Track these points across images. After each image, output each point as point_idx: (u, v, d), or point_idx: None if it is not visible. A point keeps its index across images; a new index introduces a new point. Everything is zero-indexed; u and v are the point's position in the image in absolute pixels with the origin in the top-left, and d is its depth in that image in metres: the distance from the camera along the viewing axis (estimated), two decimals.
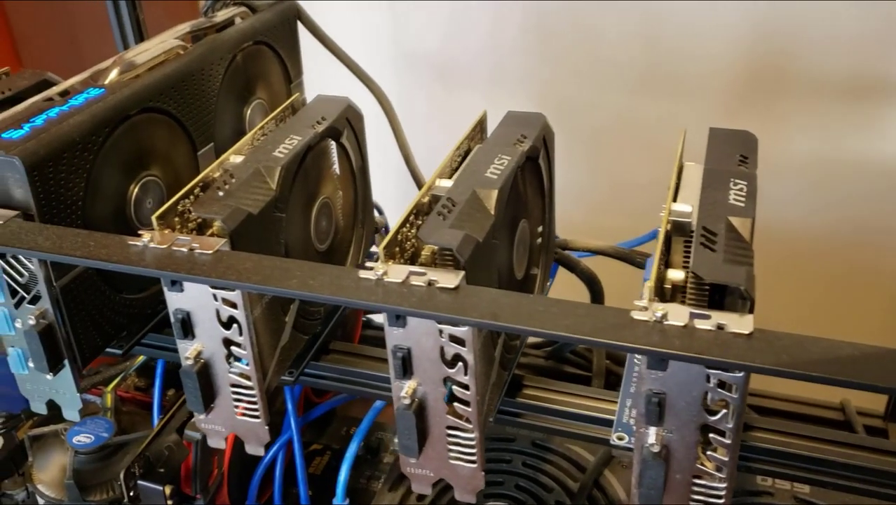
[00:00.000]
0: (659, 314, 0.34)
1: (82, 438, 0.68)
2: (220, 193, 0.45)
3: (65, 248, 0.41)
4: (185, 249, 0.41)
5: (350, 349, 0.55)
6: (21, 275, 0.47)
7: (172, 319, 0.44)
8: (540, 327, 0.34)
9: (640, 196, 1.19)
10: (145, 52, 0.55)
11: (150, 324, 0.55)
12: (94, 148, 0.48)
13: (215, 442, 0.48)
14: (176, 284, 0.43)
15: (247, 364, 0.45)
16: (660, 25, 1.08)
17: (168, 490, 0.57)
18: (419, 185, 0.75)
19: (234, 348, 0.44)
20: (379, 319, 0.83)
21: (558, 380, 0.52)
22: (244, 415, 0.47)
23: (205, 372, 0.45)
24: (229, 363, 0.45)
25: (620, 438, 0.47)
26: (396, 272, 0.38)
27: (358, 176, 0.57)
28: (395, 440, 0.75)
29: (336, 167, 0.55)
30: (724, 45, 1.06)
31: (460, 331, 0.39)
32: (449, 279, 0.37)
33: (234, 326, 0.44)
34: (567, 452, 0.62)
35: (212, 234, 0.46)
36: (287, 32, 0.67)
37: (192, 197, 0.45)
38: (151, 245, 0.41)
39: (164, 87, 0.53)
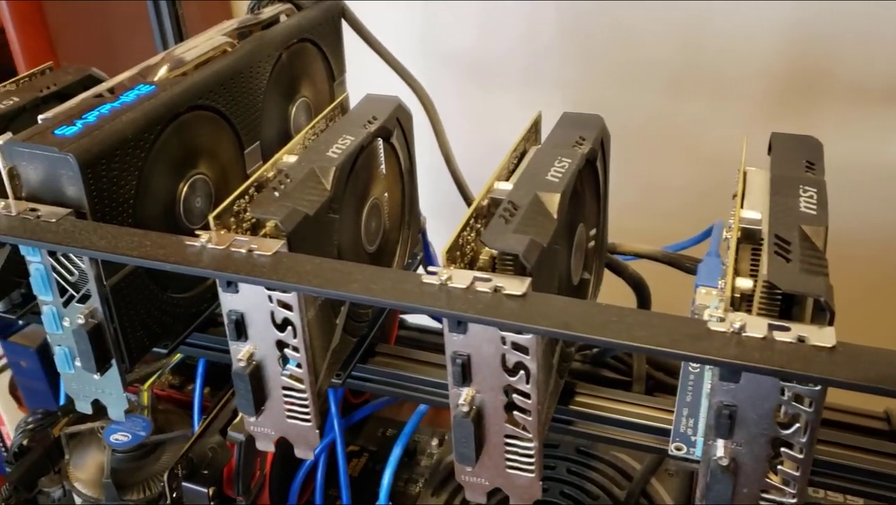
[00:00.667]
0: (737, 325, 0.33)
1: (120, 437, 0.68)
2: (276, 194, 0.44)
3: (120, 247, 0.41)
4: (243, 251, 0.40)
5: (395, 352, 0.54)
6: (71, 273, 0.46)
7: (226, 321, 0.44)
8: (614, 337, 0.33)
9: (674, 198, 1.18)
10: (194, 49, 0.54)
11: (194, 323, 0.55)
12: (146, 146, 0.47)
13: (264, 445, 0.48)
14: (231, 286, 0.42)
15: (299, 367, 0.44)
16: (697, 26, 1.06)
17: (210, 491, 0.56)
18: (459, 186, 0.74)
19: (287, 351, 0.44)
20: (414, 319, 0.83)
21: (597, 384, 0.51)
22: (294, 418, 0.46)
23: (257, 374, 0.45)
24: (281, 366, 0.44)
25: (679, 449, 0.46)
26: (460, 277, 0.37)
27: (406, 176, 0.56)
28: (433, 443, 0.75)
29: (383, 167, 0.54)
30: (762, 45, 1.05)
31: (524, 339, 0.38)
32: (516, 286, 0.36)
33: (289, 328, 0.43)
34: (612, 460, 0.61)
35: (265, 235, 0.45)
36: (332, 30, 0.66)
37: (246, 197, 0.44)
38: (209, 246, 0.40)
39: (214, 85, 0.53)
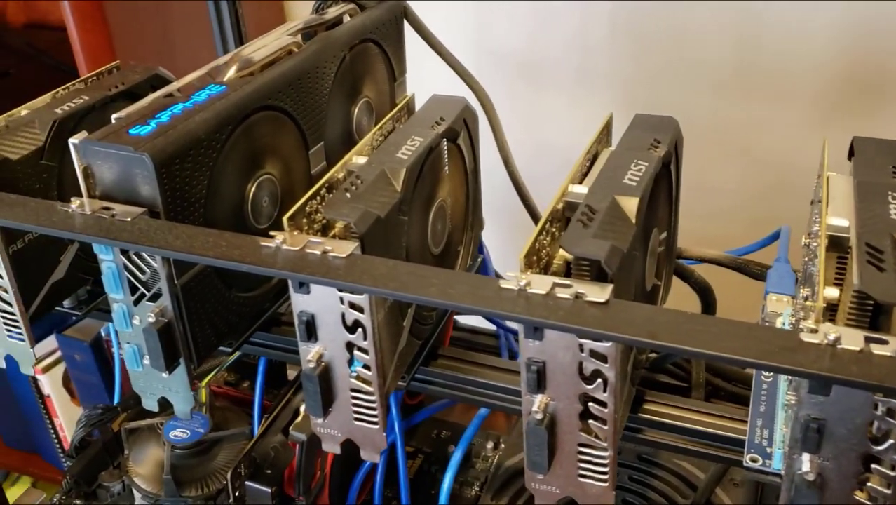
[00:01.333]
0: (831, 337, 0.32)
1: (178, 434, 0.68)
2: (348, 195, 0.44)
3: (196, 247, 0.41)
4: (317, 252, 0.40)
5: (456, 354, 0.54)
6: (142, 272, 0.46)
7: (297, 322, 0.43)
8: (702, 348, 0.32)
9: (726, 200, 1.16)
10: (261, 50, 0.54)
11: (258, 322, 0.55)
12: (217, 146, 0.48)
13: (330, 447, 0.47)
14: (303, 287, 0.42)
15: (368, 369, 0.44)
16: (752, 25, 1.04)
17: (272, 491, 0.56)
18: (518, 188, 0.73)
19: (356, 353, 0.43)
20: (465, 320, 0.82)
21: (656, 390, 0.50)
22: (361, 420, 0.46)
23: (325, 375, 0.44)
24: (351, 367, 0.44)
25: (754, 461, 0.45)
26: (539, 283, 0.36)
27: (470, 178, 0.56)
28: (488, 446, 0.74)
29: (447, 168, 0.54)
30: (818, 44, 1.02)
31: (604, 347, 0.37)
32: (598, 292, 0.35)
33: (359, 330, 0.43)
34: (675, 468, 0.60)
35: (334, 235, 0.45)
36: (394, 30, 0.66)
37: (318, 198, 0.44)
38: (284, 247, 0.40)
39: (282, 86, 0.53)
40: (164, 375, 0.49)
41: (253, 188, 0.51)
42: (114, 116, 0.47)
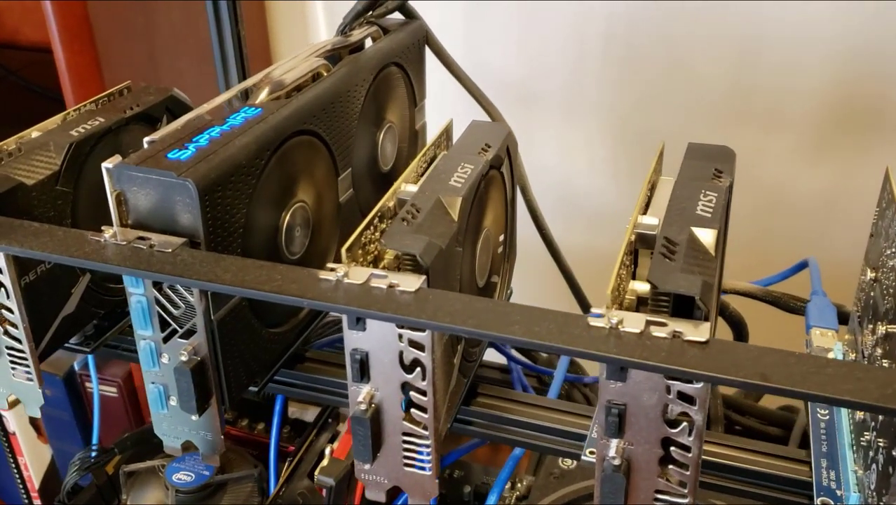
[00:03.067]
0: None
1: (183, 476, 0.64)
2: (406, 225, 0.41)
3: (249, 281, 0.38)
4: (383, 286, 0.37)
5: (495, 392, 0.51)
6: (176, 307, 0.43)
7: (349, 360, 0.40)
8: (818, 391, 0.31)
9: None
10: (292, 72, 0.51)
11: (282, 359, 0.52)
12: (257, 172, 0.45)
13: (375, 494, 0.44)
14: (360, 322, 0.39)
15: (424, 410, 0.41)
16: (748, 50, 1.05)
17: None
18: (534, 216, 0.72)
19: (412, 394, 0.41)
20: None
21: None
22: (412, 466, 0.43)
23: (376, 418, 0.42)
24: (405, 409, 0.41)
25: (825, 504, 0.43)
26: (633, 321, 0.34)
27: (510, 207, 0.54)
28: (506, 486, 0.71)
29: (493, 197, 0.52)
30: (816, 74, 1.03)
31: (693, 388, 0.35)
32: (694, 331, 0.33)
33: (417, 369, 0.40)
34: None
35: (384, 267, 0.42)
36: (416, 54, 0.64)
37: (371, 228, 0.42)
38: (346, 281, 0.37)
39: (317, 109, 0.50)
40: (194, 417, 0.45)
41: (287, 216, 0.48)
42: (146, 140, 0.44)
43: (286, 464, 0.57)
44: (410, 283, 0.37)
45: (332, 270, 0.38)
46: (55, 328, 0.50)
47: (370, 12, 0.59)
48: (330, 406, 0.67)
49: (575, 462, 0.62)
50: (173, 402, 0.46)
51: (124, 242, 0.40)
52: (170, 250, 0.40)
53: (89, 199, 0.51)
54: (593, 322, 0.34)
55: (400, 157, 0.63)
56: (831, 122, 1.06)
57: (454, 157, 0.47)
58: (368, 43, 0.60)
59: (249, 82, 0.51)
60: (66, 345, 0.53)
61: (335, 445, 0.55)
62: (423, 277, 0.38)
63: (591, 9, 1.07)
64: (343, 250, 0.39)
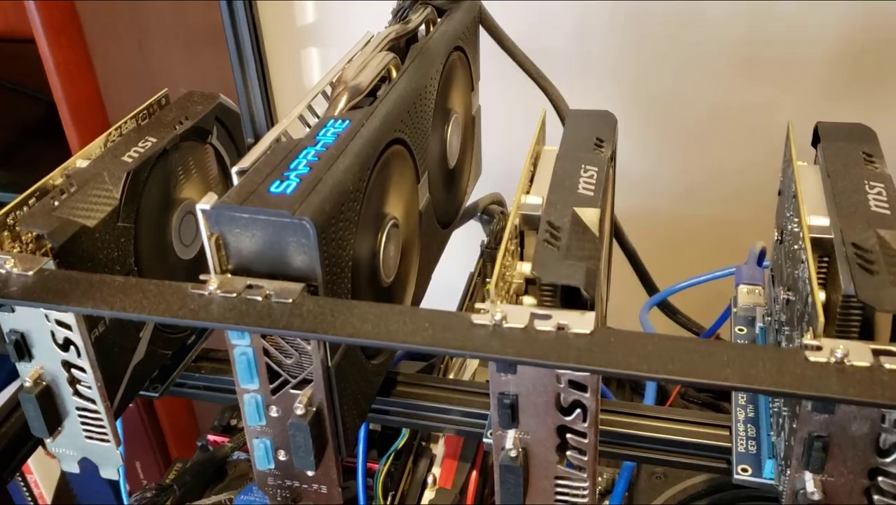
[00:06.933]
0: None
1: None
2: (553, 249, 0.36)
3: (394, 332, 0.33)
4: (550, 329, 0.32)
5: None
6: (288, 356, 0.38)
7: (497, 406, 0.36)
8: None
9: (735, 183, 1.13)
10: (364, 72, 0.46)
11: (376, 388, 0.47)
12: (360, 195, 0.39)
13: None
14: (511, 365, 0.35)
15: (584, 453, 0.37)
16: (758, 5, 1.01)
17: None
18: None
19: (569, 436, 0.37)
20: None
21: None
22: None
23: (526, 464, 0.37)
24: (560, 456, 0.37)
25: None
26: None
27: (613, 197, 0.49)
28: None
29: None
30: (829, 20, 0.99)
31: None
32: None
33: (578, 411, 0.36)
34: None
35: (521, 294, 0.38)
36: (473, 34, 0.58)
37: (507, 249, 0.37)
38: (505, 325, 0.33)
39: (402, 114, 0.45)
40: (310, 473, 0.41)
41: (383, 238, 0.43)
42: (235, 170, 0.38)
43: (388, 497, 0.53)
44: (581, 322, 0.32)
45: (485, 311, 0.33)
46: (127, 380, 0.45)
47: None
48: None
49: None
50: (282, 456, 0.41)
51: (233, 295, 0.35)
52: (290, 301, 0.34)
53: (150, 230, 0.46)
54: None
55: (463, 149, 0.58)
56: (847, 72, 1.03)
57: (570, 156, 0.43)
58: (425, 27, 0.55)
59: (318, 89, 0.45)
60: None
61: (435, 471, 0.51)
62: (593, 313, 0.33)
63: None
64: (492, 287, 0.35)
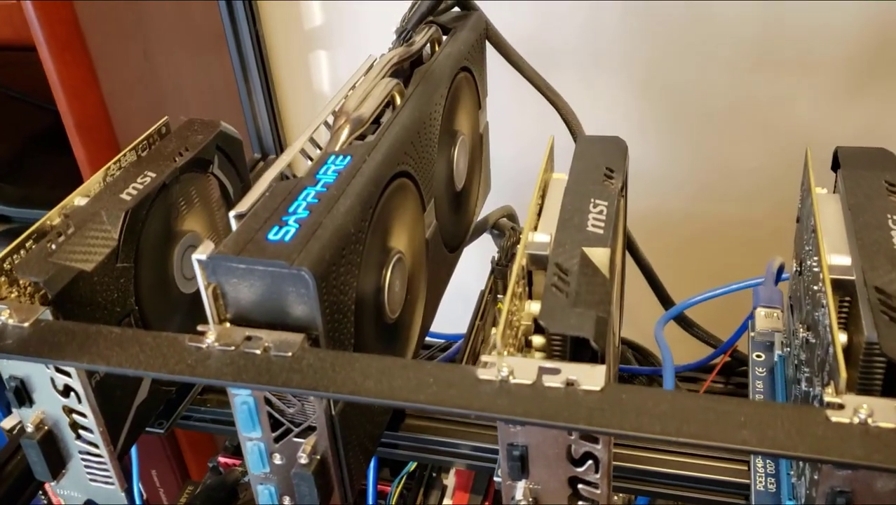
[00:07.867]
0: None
1: None
2: (562, 295, 0.35)
3: (398, 389, 0.32)
4: (559, 385, 0.31)
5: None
6: (290, 405, 0.37)
7: (506, 457, 0.35)
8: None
9: (749, 181, 1.11)
10: (367, 102, 0.45)
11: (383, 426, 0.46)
12: (362, 236, 0.38)
13: None
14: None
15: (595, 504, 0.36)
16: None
17: None
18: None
19: (581, 487, 0.35)
20: None
21: None
22: None
23: None
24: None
25: None
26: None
27: (624, 228, 0.48)
28: None
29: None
30: (846, 18, 0.97)
31: None
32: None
33: (589, 462, 0.35)
34: None
35: (526, 337, 0.37)
36: (480, 51, 0.57)
37: (514, 293, 0.36)
38: (512, 381, 0.31)
39: (406, 145, 0.43)
40: None
41: (388, 274, 0.42)
42: (233, 214, 0.37)
43: None
44: (591, 377, 0.31)
45: (492, 365, 0.32)
46: (131, 420, 0.44)
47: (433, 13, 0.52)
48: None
49: None
50: (287, 502, 0.40)
51: (232, 348, 0.34)
52: (290, 354, 0.33)
53: (151, 267, 0.45)
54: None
55: (471, 169, 0.57)
56: (865, 63, 1.00)
57: (578, 190, 0.41)
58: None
59: (319, 120, 0.44)
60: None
61: (447, 503, 0.50)
62: (603, 367, 0.32)
63: None
64: (498, 338, 0.33)
